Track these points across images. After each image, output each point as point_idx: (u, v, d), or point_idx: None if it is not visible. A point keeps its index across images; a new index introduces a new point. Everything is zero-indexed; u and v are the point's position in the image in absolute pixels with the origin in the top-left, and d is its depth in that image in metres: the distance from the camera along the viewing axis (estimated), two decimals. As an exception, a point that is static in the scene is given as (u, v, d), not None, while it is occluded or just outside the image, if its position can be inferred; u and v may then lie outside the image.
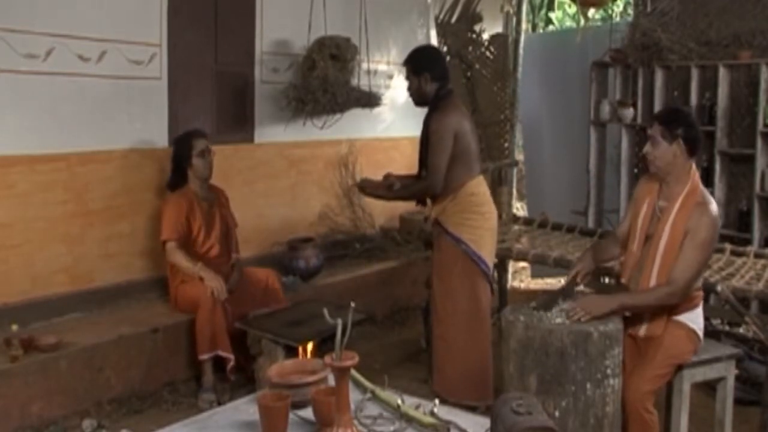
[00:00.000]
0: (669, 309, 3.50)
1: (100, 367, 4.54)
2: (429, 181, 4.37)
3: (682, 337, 3.53)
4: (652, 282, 3.48)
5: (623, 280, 3.68)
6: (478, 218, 4.40)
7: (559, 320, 3.32)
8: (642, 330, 3.54)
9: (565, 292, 3.57)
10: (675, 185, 3.51)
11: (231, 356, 4.78)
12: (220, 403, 4.43)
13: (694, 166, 3.55)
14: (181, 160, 5.09)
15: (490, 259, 4.51)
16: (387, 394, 2.63)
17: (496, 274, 6.19)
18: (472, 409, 3.57)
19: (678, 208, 3.47)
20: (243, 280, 5.17)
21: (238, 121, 6.13)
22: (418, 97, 4.55)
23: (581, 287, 3.79)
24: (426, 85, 4.45)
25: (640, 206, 3.63)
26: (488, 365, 4.49)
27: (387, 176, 4.70)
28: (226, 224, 5.30)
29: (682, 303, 3.50)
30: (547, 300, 3.50)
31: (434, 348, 4.58)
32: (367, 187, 4.67)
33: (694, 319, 3.57)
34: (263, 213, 6.25)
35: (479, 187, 4.47)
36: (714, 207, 3.46)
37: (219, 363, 4.81)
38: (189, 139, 5.10)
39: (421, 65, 4.46)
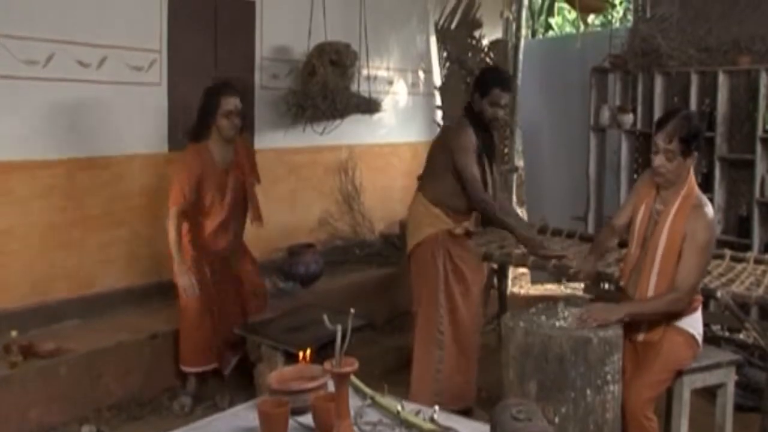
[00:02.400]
0: (669, 314, 3.50)
1: (100, 374, 4.53)
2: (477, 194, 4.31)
3: (681, 342, 3.52)
4: (652, 284, 3.49)
5: (621, 283, 3.69)
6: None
7: (562, 323, 3.32)
8: (641, 335, 3.54)
9: (568, 300, 3.58)
10: (672, 190, 3.52)
11: (216, 366, 4.76)
12: (217, 408, 4.42)
13: (691, 169, 3.56)
14: (206, 115, 4.67)
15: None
16: (387, 401, 2.62)
17: (495, 280, 6.21)
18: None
19: (675, 212, 3.47)
20: (235, 279, 4.90)
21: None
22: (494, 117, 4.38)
23: (581, 294, 3.78)
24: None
25: (638, 207, 3.64)
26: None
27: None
28: (242, 189, 4.85)
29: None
30: (550, 305, 3.51)
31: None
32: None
33: (693, 324, 3.57)
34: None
35: None
36: (710, 209, 3.47)
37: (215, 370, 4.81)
38: (217, 96, 4.66)
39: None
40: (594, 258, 3.94)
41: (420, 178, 4.75)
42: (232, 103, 4.64)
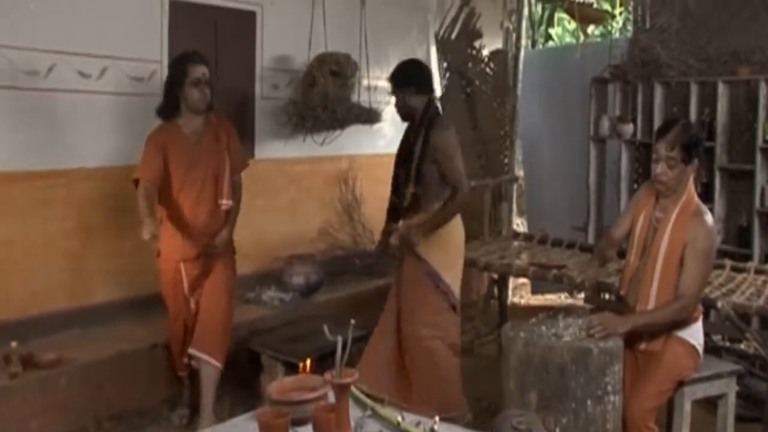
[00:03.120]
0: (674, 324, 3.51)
1: (100, 384, 4.52)
2: (462, 191, 4.24)
3: (682, 353, 3.52)
4: (653, 293, 3.49)
5: (621, 292, 3.69)
6: (444, 238, 4.34)
7: (568, 333, 3.32)
8: (642, 345, 3.54)
9: (566, 310, 3.57)
10: (672, 198, 3.53)
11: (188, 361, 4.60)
12: (220, 419, 4.41)
13: (690, 177, 3.57)
14: (173, 87, 4.42)
15: (451, 277, 4.38)
16: (387, 411, 2.62)
17: (496, 290, 6.21)
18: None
19: (675, 219, 3.48)
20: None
21: (238, 136, 6.12)
22: (404, 111, 4.48)
23: (582, 304, 3.78)
24: (411, 99, 4.40)
25: (638, 216, 3.65)
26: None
27: (393, 229, 4.47)
28: (216, 164, 4.54)
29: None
30: (550, 316, 3.50)
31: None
32: (404, 239, 4.32)
33: (694, 334, 3.57)
34: (263, 229, 6.24)
35: None
36: (709, 217, 3.48)
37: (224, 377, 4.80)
38: (183, 64, 4.42)
39: (404, 79, 4.44)
40: (596, 266, 3.94)
41: None
42: (200, 71, 4.42)
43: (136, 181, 4.37)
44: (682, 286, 3.43)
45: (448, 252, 4.36)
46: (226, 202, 4.60)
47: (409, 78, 4.44)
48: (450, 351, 4.36)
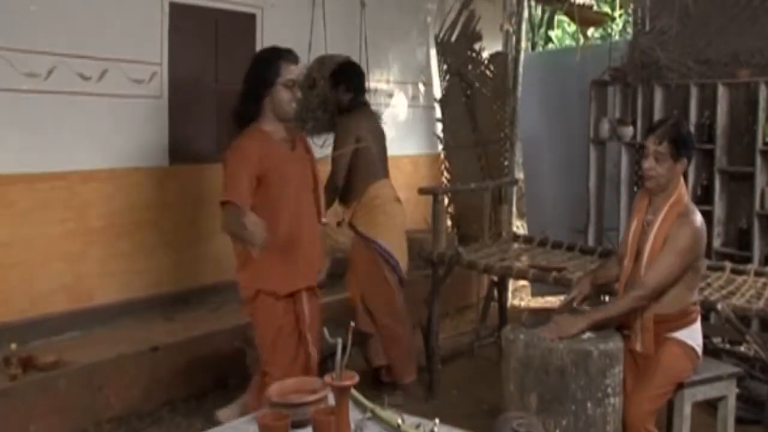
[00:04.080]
0: (663, 326, 3.49)
1: (100, 386, 4.52)
2: (331, 178, 4.91)
3: (681, 354, 3.52)
4: None
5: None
6: (383, 217, 5.00)
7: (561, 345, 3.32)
8: (637, 345, 3.53)
9: (555, 313, 3.55)
10: (662, 199, 3.53)
11: None
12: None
13: (681, 179, 3.57)
14: (258, 85, 3.76)
15: (399, 254, 5.07)
16: (387, 414, 2.62)
17: (496, 293, 6.20)
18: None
19: (661, 220, 3.48)
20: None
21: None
22: (336, 106, 5.14)
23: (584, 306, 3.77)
24: (342, 95, 5.09)
25: (632, 222, 3.65)
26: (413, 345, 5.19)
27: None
28: (312, 176, 3.96)
29: (678, 318, 3.50)
30: (534, 321, 3.48)
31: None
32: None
33: (692, 335, 3.56)
34: (263, 231, 6.24)
35: (382, 189, 5.05)
36: (697, 218, 3.45)
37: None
38: (277, 61, 3.76)
39: (338, 78, 5.10)
40: (587, 282, 3.83)
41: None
42: (295, 71, 3.81)
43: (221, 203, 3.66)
44: (645, 274, 3.42)
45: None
46: (325, 221, 4.20)
47: (341, 77, 5.15)
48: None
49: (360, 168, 4.99)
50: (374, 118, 5.29)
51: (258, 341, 3.85)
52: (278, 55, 3.76)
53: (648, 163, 3.50)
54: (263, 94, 3.74)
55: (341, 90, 5.10)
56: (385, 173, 5.16)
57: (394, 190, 5.18)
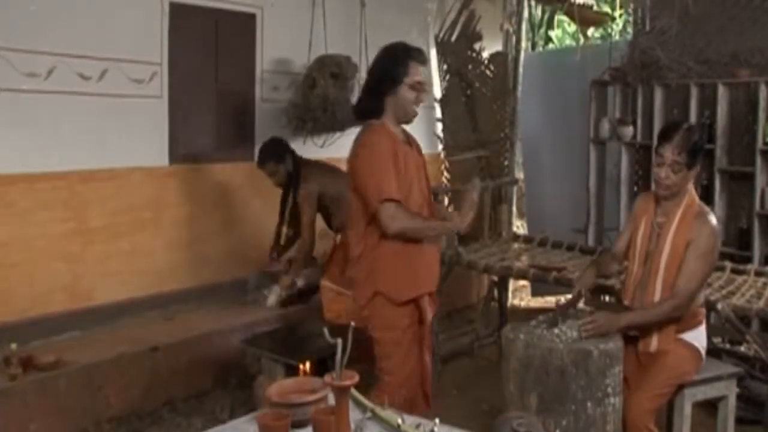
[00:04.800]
0: (673, 326, 3.49)
1: (100, 386, 4.52)
2: (303, 239, 5.62)
3: (686, 356, 3.52)
4: (657, 298, 3.48)
5: (626, 302, 3.65)
6: None
7: (573, 333, 3.31)
8: (653, 346, 3.52)
9: (565, 312, 3.55)
10: (673, 201, 3.52)
11: None
12: (217, 421, 4.40)
13: (691, 180, 3.57)
14: (383, 82, 3.56)
15: None
16: (387, 413, 2.62)
17: (496, 292, 6.20)
18: None
19: (678, 222, 3.47)
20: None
21: (239, 139, 6.15)
22: (277, 180, 5.61)
23: (581, 305, 3.77)
24: (289, 165, 5.52)
25: (638, 225, 3.63)
26: None
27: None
28: (428, 179, 3.81)
29: (686, 320, 3.50)
30: (552, 320, 3.48)
31: None
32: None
33: (698, 337, 3.56)
34: (263, 231, 6.23)
35: None
36: (713, 218, 3.48)
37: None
38: (406, 60, 3.56)
39: (262, 158, 5.53)
40: (591, 273, 3.84)
41: None
42: (422, 73, 3.61)
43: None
44: (678, 282, 3.41)
45: None
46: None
47: (266, 155, 5.50)
48: None
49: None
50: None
51: (375, 346, 3.60)
52: (408, 54, 3.57)
53: (664, 173, 3.46)
54: (387, 92, 3.55)
55: (271, 165, 5.59)
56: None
57: None
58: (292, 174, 5.54)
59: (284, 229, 5.81)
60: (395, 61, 3.55)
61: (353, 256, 3.58)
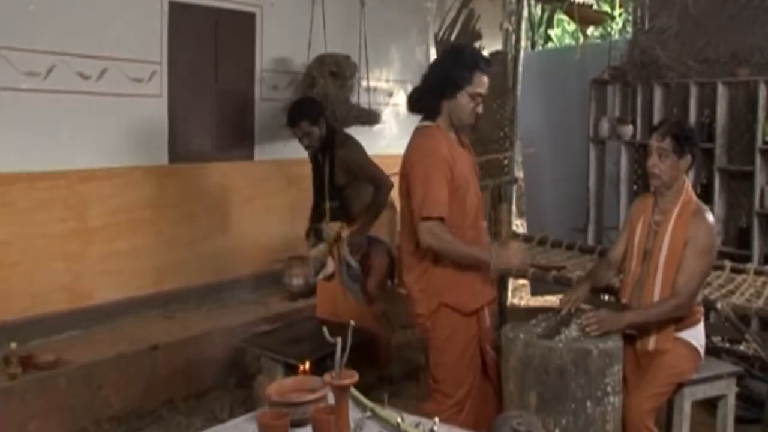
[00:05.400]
0: (672, 325, 3.49)
1: (99, 385, 4.52)
2: (384, 186, 4.82)
3: (685, 355, 3.52)
4: (656, 295, 3.48)
5: (624, 300, 3.66)
6: None
7: (573, 333, 3.32)
8: (651, 344, 3.51)
9: (564, 321, 3.53)
10: (670, 199, 3.53)
11: None
12: (217, 420, 4.40)
13: (687, 179, 3.58)
14: (445, 84, 3.43)
15: None
16: (387, 413, 2.62)
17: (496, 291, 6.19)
18: None
19: (675, 219, 3.48)
20: None
21: (238, 138, 6.15)
22: (307, 143, 4.80)
23: (582, 305, 3.75)
24: (323, 128, 4.77)
25: (635, 225, 3.64)
26: None
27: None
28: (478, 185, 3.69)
29: (684, 318, 3.50)
30: (551, 330, 3.45)
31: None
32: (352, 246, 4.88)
33: (696, 336, 3.56)
34: (263, 230, 6.25)
35: None
36: (710, 215, 3.50)
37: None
38: (473, 68, 3.43)
39: (296, 117, 4.72)
40: (585, 285, 3.77)
41: None
42: (486, 85, 3.48)
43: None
44: (679, 281, 3.42)
45: None
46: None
47: (299, 114, 4.72)
48: None
49: (354, 189, 4.90)
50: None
51: (435, 358, 3.56)
52: (476, 62, 3.45)
53: (651, 161, 3.51)
54: (446, 94, 3.44)
55: (305, 125, 4.73)
56: None
57: None
58: (326, 139, 4.80)
59: (327, 204, 4.88)
60: (461, 66, 3.43)
61: (408, 264, 3.56)
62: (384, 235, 5.00)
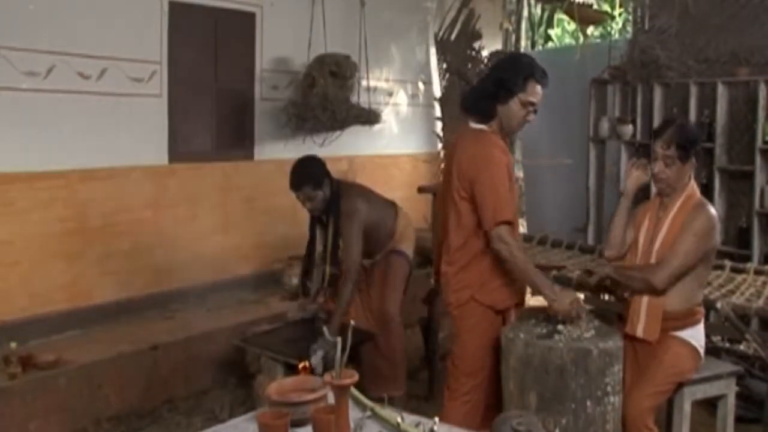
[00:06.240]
0: (671, 324, 3.49)
1: (99, 385, 4.52)
2: (348, 271, 4.50)
3: (685, 354, 3.52)
4: None
5: (626, 294, 3.68)
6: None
7: (576, 333, 3.31)
8: (639, 329, 3.51)
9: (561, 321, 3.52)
10: (674, 196, 3.54)
11: None
12: (217, 420, 4.40)
13: (692, 176, 3.58)
14: (500, 89, 3.48)
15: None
16: (387, 412, 2.61)
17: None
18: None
19: (677, 210, 3.50)
20: None
21: (238, 138, 6.15)
22: (312, 207, 4.56)
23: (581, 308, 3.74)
24: (327, 190, 4.53)
25: (642, 222, 3.65)
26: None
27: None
28: None
29: (684, 318, 3.50)
30: (549, 332, 3.44)
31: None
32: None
33: (696, 336, 3.56)
34: (263, 230, 6.25)
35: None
36: (712, 208, 3.49)
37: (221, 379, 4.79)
38: (529, 77, 3.49)
39: (298, 181, 4.49)
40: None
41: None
42: (539, 95, 3.55)
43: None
44: (665, 256, 3.44)
45: None
46: None
47: (300, 179, 4.50)
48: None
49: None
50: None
51: (459, 351, 3.64)
52: (531, 71, 3.50)
53: (657, 168, 3.52)
54: (501, 100, 3.50)
55: (308, 189, 4.51)
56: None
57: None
58: (331, 200, 4.57)
59: (327, 269, 4.68)
60: (516, 73, 3.49)
61: (452, 258, 3.60)
62: (406, 247, 4.90)
